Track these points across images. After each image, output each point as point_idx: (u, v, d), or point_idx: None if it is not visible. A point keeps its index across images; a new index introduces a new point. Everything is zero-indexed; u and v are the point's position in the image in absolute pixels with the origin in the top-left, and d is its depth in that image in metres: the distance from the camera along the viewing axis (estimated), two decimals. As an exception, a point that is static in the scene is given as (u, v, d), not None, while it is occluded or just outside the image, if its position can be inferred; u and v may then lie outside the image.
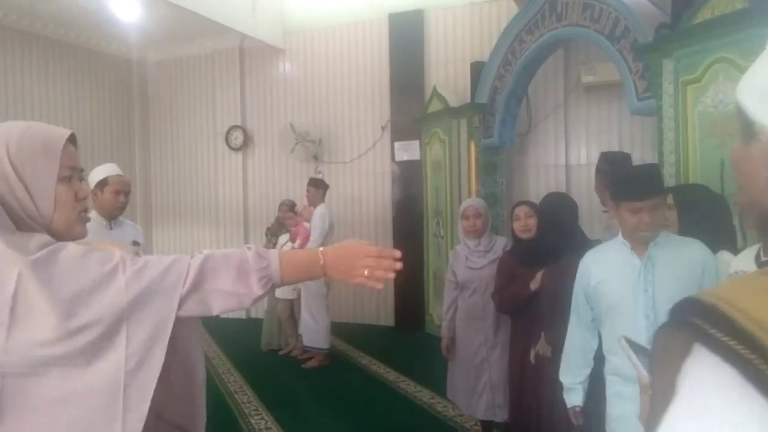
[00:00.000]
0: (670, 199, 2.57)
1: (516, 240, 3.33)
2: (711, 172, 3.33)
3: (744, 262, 1.81)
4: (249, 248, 1.22)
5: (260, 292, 1.20)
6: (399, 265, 1.30)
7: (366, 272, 1.26)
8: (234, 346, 6.43)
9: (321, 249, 1.27)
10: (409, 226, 6.93)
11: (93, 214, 3.29)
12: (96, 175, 3.29)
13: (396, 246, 7.03)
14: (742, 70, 3.24)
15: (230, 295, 1.18)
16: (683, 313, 0.56)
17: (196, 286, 1.15)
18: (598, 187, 3.46)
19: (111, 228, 3.29)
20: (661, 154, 3.80)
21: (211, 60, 8.12)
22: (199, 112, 8.30)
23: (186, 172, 8.44)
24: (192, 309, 1.16)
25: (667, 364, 0.58)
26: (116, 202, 3.25)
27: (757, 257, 1.76)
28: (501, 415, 3.45)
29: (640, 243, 2.09)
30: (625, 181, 2.10)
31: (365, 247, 1.29)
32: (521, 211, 3.28)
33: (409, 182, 7.02)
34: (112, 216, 3.29)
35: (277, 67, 7.86)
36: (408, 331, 6.76)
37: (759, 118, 0.67)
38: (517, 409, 3.25)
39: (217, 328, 7.38)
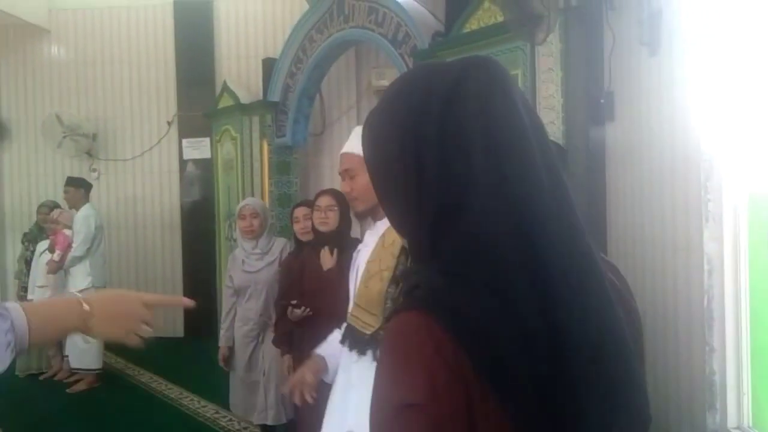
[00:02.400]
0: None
1: (297, 241, 3.21)
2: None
3: None
4: None
5: (2, 367, 0.94)
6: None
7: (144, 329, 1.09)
8: (-18, 373, 5.42)
9: (83, 298, 1.05)
10: (199, 229, 6.51)
11: None
12: None
13: (185, 250, 6.66)
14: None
15: None
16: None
17: None
18: None
19: None
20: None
21: (-46, 35, 6.83)
22: (-62, 95, 6.93)
23: None
24: None
25: None
26: None
27: None
28: (274, 417, 3.32)
29: None
30: None
31: (141, 296, 1.12)
32: (300, 212, 3.18)
33: (199, 182, 6.59)
34: None
35: (41, 48, 6.85)
36: (199, 341, 6.31)
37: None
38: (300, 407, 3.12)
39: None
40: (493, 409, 0.68)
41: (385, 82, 6.17)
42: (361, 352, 1.80)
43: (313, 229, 2.95)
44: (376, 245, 1.81)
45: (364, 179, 1.79)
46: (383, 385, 0.71)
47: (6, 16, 6.52)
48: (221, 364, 3.50)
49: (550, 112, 3.31)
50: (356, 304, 1.83)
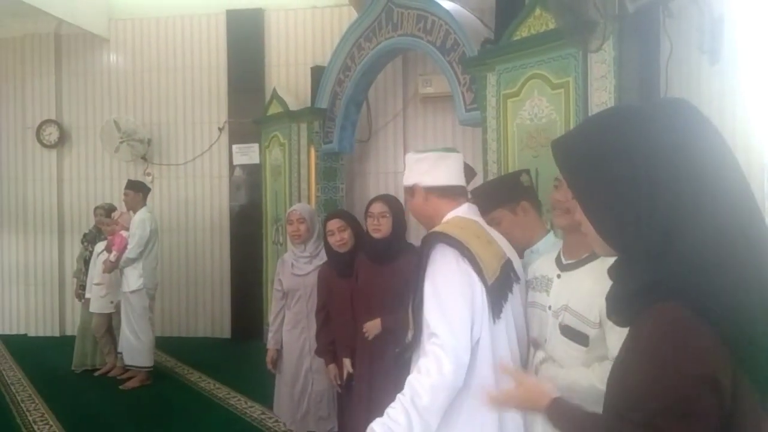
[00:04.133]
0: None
1: (331, 252, 3.16)
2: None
3: (547, 265, 1.87)
4: None
5: None
6: None
7: None
8: (41, 367, 5.67)
9: None
10: (247, 233, 6.63)
11: None
12: None
13: (233, 254, 6.82)
14: (554, 87, 3.46)
15: None
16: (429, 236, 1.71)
17: None
18: None
19: None
20: (485, 163, 3.96)
21: (21, 44, 7.16)
22: (5, 102, 7.28)
23: (-13, 171, 7.36)
24: None
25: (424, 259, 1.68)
26: None
27: (558, 259, 1.82)
28: (323, 427, 3.35)
29: None
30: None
31: None
32: (334, 225, 3.12)
33: (247, 187, 6.73)
34: None
35: (100, 57, 7.13)
36: (245, 343, 6.44)
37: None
38: (346, 418, 3.14)
39: (24, 347, 6.53)
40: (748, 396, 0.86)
41: (432, 90, 6.18)
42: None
43: (367, 235, 2.96)
44: None
45: (409, 206, 1.98)
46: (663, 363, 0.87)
47: (68, 26, 6.83)
48: (269, 366, 3.54)
49: (603, 121, 3.26)
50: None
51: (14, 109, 7.23)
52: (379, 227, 2.86)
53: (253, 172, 6.64)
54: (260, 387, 4.40)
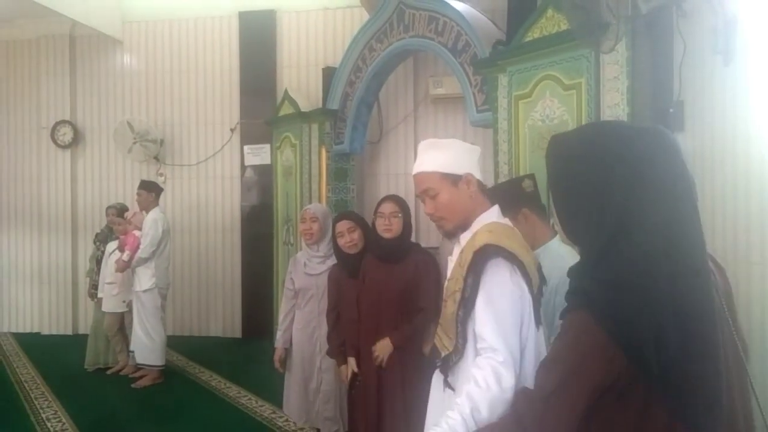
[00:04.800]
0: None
1: (340, 253, 3.16)
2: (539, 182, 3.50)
3: None
4: None
5: None
6: None
7: None
8: (55, 366, 5.73)
9: None
10: (258, 233, 6.67)
11: None
12: None
13: (244, 254, 6.83)
14: (566, 88, 3.45)
15: None
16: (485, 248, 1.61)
17: None
18: None
19: None
20: (496, 164, 3.96)
21: (36, 46, 7.25)
22: (20, 103, 7.36)
23: (3, 170, 7.43)
24: None
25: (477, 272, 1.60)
26: None
27: None
28: (328, 428, 3.36)
29: None
30: None
31: None
32: (344, 226, 3.13)
33: (259, 187, 6.76)
34: None
35: (114, 58, 7.19)
36: (256, 343, 6.47)
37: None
38: (367, 420, 3.12)
39: (37, 346, 6.59)
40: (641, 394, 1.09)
41: (443, 91, 6.18)
42: (434, 372, 1.79)
43: (376, 235, 2.98)
44: (454, 263, 1.74)
45: (445, 196, 1.71)
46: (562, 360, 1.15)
47: (82, 28, 6.90)
48: (277, 365, 3.55)
49: (615, 122, 3.25)
50: (439, 323, 1.80)
51: (29, 109, 7.31)
52: (390, 227, 2.88)
53: (265, 173, 6.67)
54: (271, 386, 4.42)
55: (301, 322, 3.45)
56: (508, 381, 1.50)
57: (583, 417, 1.10)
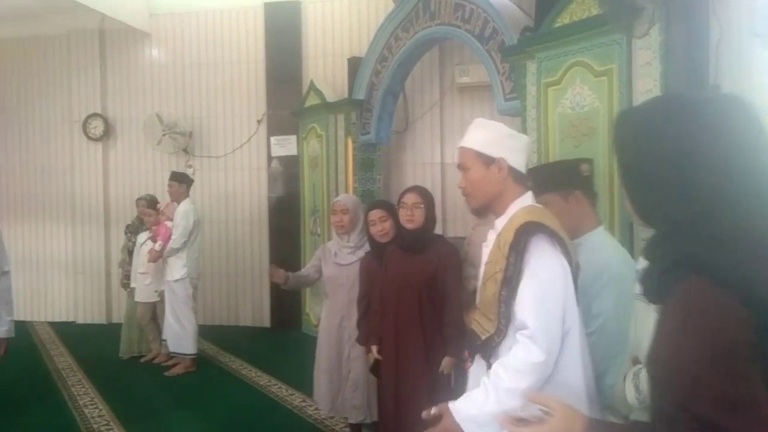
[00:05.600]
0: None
1: (373, 242, 3.22)
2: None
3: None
4: None
5: None
6: None
7: None
8: (90, 354, 5.87)
9: None
10: (285, 224, 6.72)
11: None
12: None
13: (272, 244, 6.90)
14: (597, 74, 3.40)
15: None
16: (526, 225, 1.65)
17: None
18: None
19: None
20: (525, 153, 3.91)
21: (66, 40, 7.37)
22: (52, 97, 7.51)
23: (37, 163, 7.60)
24: None
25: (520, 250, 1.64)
26: None
27: None
28: (356, 416, 3.38)
29: None
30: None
31: None
32: (376, 215, 3.17)
33: (285, 178, 6.80)
34: None
35: (142, 51, 7.29)
36: (284, 332, 6.55)
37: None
38: (386, 408, 3.15)
39: (73, 334, 6.76)
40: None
41: (469, 79, 6.13)
42: (472, 357, 1.80)
43: (399, 226, 2.99)
44: (492, 246, 1.77)
45: (475, 174, 1.77)
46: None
47: (111, 21, 7.00)
48: (269, 274, 3.66)
49: (648, 108, 3.19)
50: (477, 308, 1.82)
51: (61, 103, 7.46)
52: (412, 218, 2.89)
53: (291, 164, 6.71)
54: (300, 375, 4.47)
55: (329, 311, 3.48)
56: (536, 355, 1.57)
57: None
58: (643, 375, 1.62)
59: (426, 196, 2.96)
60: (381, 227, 3.13)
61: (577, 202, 2.06)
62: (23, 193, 7.64)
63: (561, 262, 1.65)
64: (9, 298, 3.11)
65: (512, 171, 1.77)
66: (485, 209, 1.83)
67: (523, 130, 3.91)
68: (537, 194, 2.00)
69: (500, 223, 1.78)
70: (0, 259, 3.06)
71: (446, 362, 2.83)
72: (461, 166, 1.81)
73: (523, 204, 1.77)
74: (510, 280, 1.64)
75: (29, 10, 7.00)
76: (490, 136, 1.79)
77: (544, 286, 1.61)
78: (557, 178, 2.08)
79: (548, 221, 1.69)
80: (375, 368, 3.10)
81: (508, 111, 4.31)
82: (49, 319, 7.48)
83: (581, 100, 3.51)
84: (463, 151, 1.81)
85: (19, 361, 5.07)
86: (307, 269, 3.69)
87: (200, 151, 7.12)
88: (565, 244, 1.68)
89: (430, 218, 2.94)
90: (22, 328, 3.34)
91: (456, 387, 2.81)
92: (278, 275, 3.52)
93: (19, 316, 3.19)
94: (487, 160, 1.76)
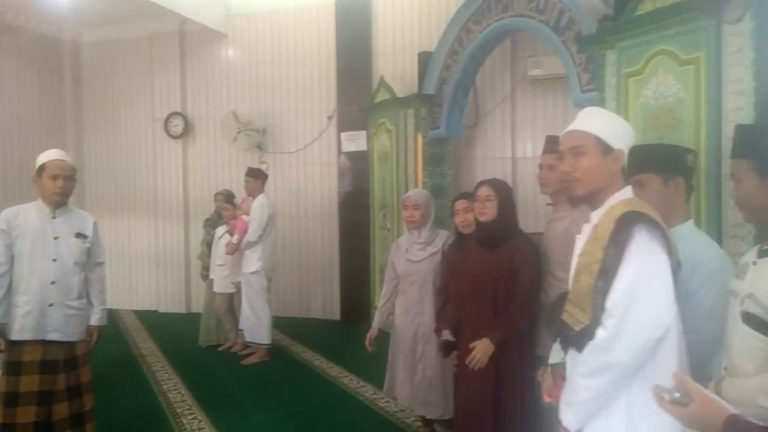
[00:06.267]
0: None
1: (458, 233, 3.27)
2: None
3: (749, 255, 1.69)
4: None
5: None
6: None
7: None
8: (172, 341, 6.18)
9: None
10: (355, 219, 6.81)
11: (37, 202, 3.09)
12: (38, 161, 3.09)
13: (342, 239, 7.01)
14: (682, 63, 3.24)
15: None
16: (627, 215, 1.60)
17: None
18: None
19: (54, 217, 3.06)
20: (603, 146, 3.79)
21: (149, 43, 7.75)
22: (136, 97, 7.92)
23: (122, 161, 8.05)
24: None
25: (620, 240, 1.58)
26: (54, 187, 3.02)
27: (760, 249, 1.64)
28: (433, 412, 3.38)
29: None
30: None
31: None
32: (461, 205, 3.22)
33: (355, 174, 6.88)
34: (54, 203, 3.07)
35: (219, 51, 7.57)
36: (354, 325, 6.64)
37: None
38: (463, 405, 3.13)
39: (155, 322, 7.12)
40: None
41: (541, 72, 5.98)
42: (564, 349, 1.77)
43: (475, 219, 2.97)
44: (588, 237, 1.75)
45: (591, 161, 1.72)
46: None
47: (190, 23, 7.30)
48: (366, 343, 3.58)
49: (739, 98, 3.01)
50: (569, 299, 1.79)
51: (144, 103, 7.85)
52: (484, 211, 2.87)
53: (360, 159, 6.78)
54: (371, 368, 4.54)
55: (403, 307, 3.49)
56: (617, 355, 1.56)
57: None
58: (726, 384, 1.55)
59: (499, 189, 2.90)
60: (464, 218, 3.16)
61: (676, 189, 1.97)
62: (110, 189, 8.10)
63: (661, 257, 1.59)
64: (103, 287, 3.32)
65: (624, 166, 1.77)
66: (587, 199, 1.77)
67: (602, 123, 3.79)
68: (634, 173, 1.93)
69: (596, 215, 1.74)
70: (96, 250, 3.27)
71: (481, 343, 2.77)
72: (575, 150, 1.74)
73: (622, 197, 1.73)
74: (608, 271, 1.60)
75: (114, 15, 7.41)
76: (614, 125, 1.76)
77: (640, 281, 1.56)
78: (662, 160, 2.00)
79: (650, 212, 1.64)
80: (445, 348, 3.14)
81: (585, 103, 4.16)
82: (134, 308, 7.91)
83: (665, 90, 3.36)
84: (580, 134, 1.74)
85: (109, 347, 5.38)
86: (386, 292, 3.64)
87: (273, 148, 7.31)
88: (667, 237, 1.63)
89: (504, 212, 2.88)
90: (109, 315, 3.56)
91: (524, 386, 2.78)
92: (373, 336, 3.56)
93: (107, 304, 3.40)
94: (606, 150, 1.72)
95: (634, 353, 1.57)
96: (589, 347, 1.63)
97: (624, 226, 1.60)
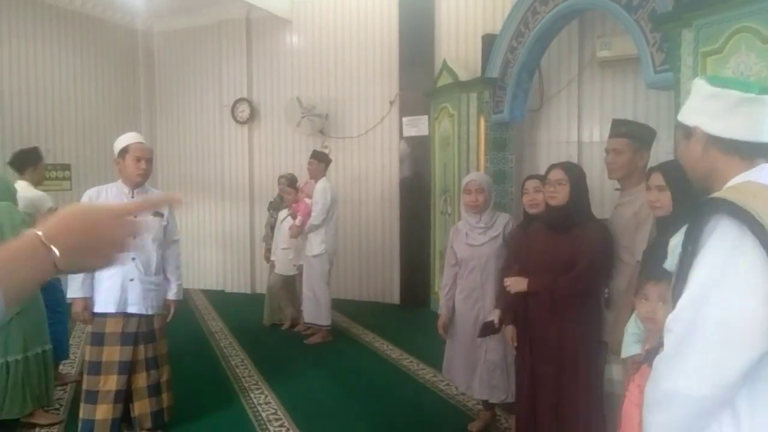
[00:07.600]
0: (659, 179, 2.38)
1: (525, 214, 3.29)
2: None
3: None
4: None
5: None
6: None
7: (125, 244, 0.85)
8: (238, 320, 6.40)
9: (40, 233, 0.78)
10: (416, 204, 6.82)
11: (117, 183, 3.28)
12: (118, 143, 3.26)
13: (402, 224, 7.05)
14: (766, 41, 3.08)
15: None
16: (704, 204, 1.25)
17: None
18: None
19: (133, 197, 3.25)
20: (677, 129, 3.64)
21: (217, 31, 7.97)
22: (205, 84, 8.18)
23: (192, 145, 8.35)
24: None
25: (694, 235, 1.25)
26: (137, 168, 3.20)
27: None
28: (497, 396, 3.38)
29: None
30: None
31: (109, 211, 0.85)
32: (531, 184, 3.22)
33: (416, 158, 6.88)
34: (135, 184, 3.24)
35: (284, 38, 7.70)
36: (413, 309, 6.69)
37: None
38: (525, 390, 3.10)
39: (222, 302, 7.39)
40: None
41: (610, 53, 5.78)
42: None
43: (546, 203, 2.94)
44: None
45: (681, 148, 1.43)
46: None
47: (257, 11, 7.45)
48: (440, 332, 3.60)
49: (830, 76, 2.84)
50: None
51: (212, 89, 8.09)
52: (555, 194, 2.82)
53: (421, 144, 6.77)
54: (431, 351, 4.56)
55: (464, 292, 3.48)
56: (682, 386, 1.18)
57: None
58: None
59: (572, 173, 2.85)
60: (533, 197, 3.18)
61: None
62: (180, 172, 8.43)
63: (746, 253, 1.16)
64: (178, 264, 3.48)
65: (716, 142, 1.35)
66: (704, 191, 1.40)
67: (677, 105, 3.65)
68: None
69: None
70: (172, 228, 3.43)
71: (516, 279, 2.89)
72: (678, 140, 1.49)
73: (741, 178, 1.32)
74: (681, 273, 1.27)
75: (184, 4, 7.66)
76: (691, 100, 1.42)
77: (710, 283, 1.19)
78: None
79: (749, 200, 1.19)
80: (483, 329, 3.18)
81: (658, 84, 4.02)
82: (202, 287, 8.23)
83: (746, 69, 3.19)
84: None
85: (182, 323, 5.61)
86: (448, 278, 3.61)
87: (335, 132, 7.40)
88: (765, 229, 1.15)
89: (576, 196, 2.82)
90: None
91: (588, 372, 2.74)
92: (445, 322, 3.57)
93: (182, 280, 3.57)
94: (687, 132, 1.40)
95: (705, 387, 1.18)
96: (649, 383, 1.29)
97: (698, 218, 1.27)
